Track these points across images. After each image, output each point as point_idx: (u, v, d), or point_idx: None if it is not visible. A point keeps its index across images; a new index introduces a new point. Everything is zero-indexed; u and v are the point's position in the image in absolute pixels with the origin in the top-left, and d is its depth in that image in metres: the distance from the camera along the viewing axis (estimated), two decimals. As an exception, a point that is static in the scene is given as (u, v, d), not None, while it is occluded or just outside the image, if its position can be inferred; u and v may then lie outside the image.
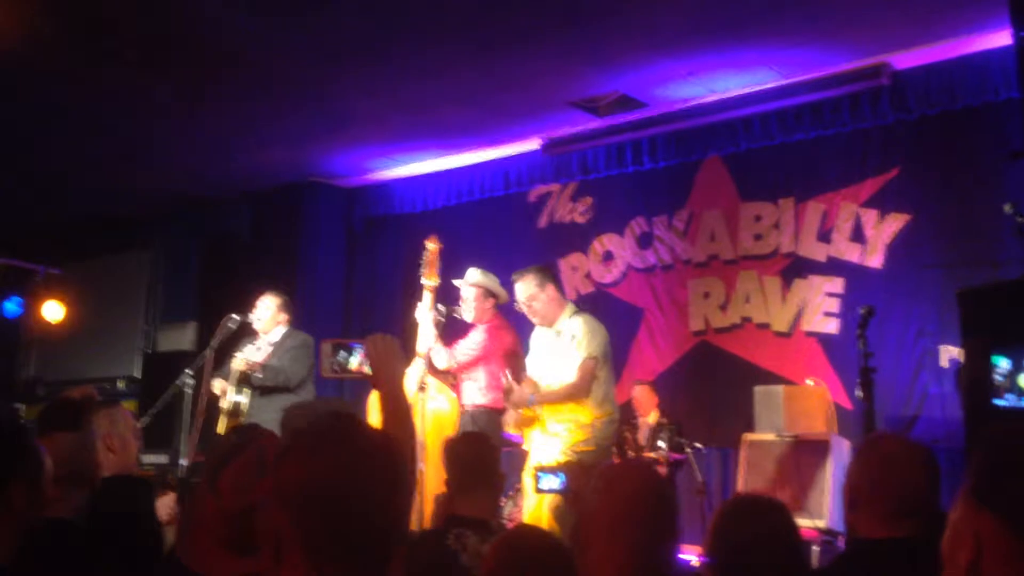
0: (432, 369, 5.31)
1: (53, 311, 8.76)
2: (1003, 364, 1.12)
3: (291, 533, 1.29)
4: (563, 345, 4.87)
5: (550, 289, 4.96)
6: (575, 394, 4.75)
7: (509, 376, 4.94)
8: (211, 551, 1.64)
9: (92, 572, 1.98)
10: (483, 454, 3.17)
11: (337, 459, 1.33)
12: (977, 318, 3.12)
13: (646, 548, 1.82)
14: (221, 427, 5.64)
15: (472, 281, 5.42)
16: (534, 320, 5.04)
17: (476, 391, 5.35)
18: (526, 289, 4.95)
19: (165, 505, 3.14)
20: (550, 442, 4.71)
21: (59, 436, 2.50)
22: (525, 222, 7.71)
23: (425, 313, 5.33)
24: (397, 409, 2.03)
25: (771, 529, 2.15)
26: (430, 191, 8.17)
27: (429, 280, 5.38)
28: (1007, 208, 4.11)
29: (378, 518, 1.33)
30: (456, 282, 5.47)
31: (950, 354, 5.44)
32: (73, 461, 2.46)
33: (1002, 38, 5.10)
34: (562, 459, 4.53)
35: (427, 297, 5.36)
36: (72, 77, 6.32)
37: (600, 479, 1.98)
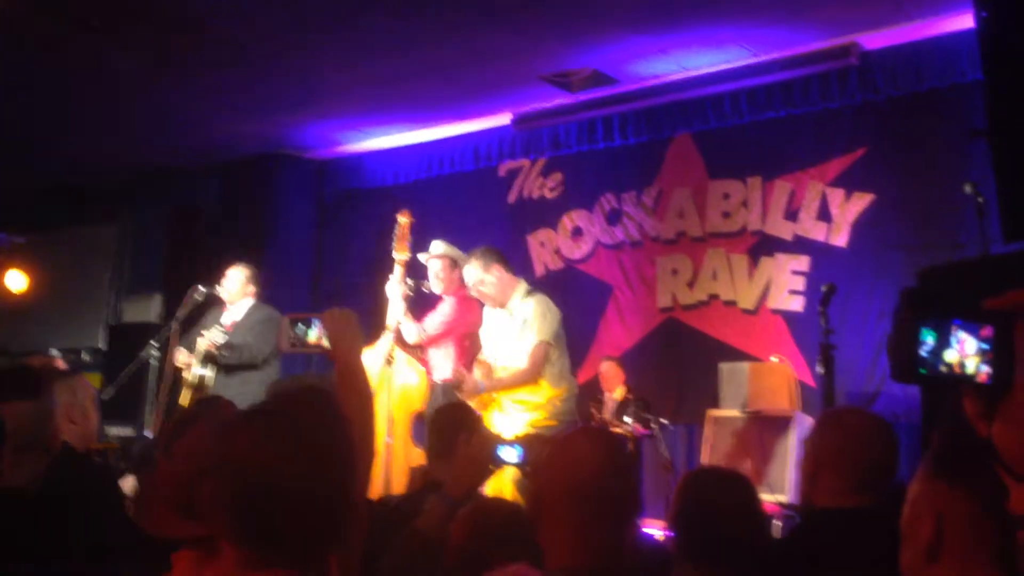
0: (401, 342, 5.31)
1: (16, 281, 8.64)
2: (930, 340, 1.16)
3: (226, 512, 1.29)
4: (515, 327, 4.84)
5: (496, 270, 4.87)
6: (526, 380, 4.73)
7: (462, 368, 4.95)
8: (165, 515, 1.66)
9: (42, 540, 1.98)
10: (462, 421, 3.21)
11: (287, 443, 1.32)
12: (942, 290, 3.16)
13: (599, 521, 1.79)
14: (185, 399, 5.60)
15: (437, 252, 5.42)
16: (486, 303, 5.03)
17: (446, 363, 5.34)
18: (472, 273, 4.90)
19: (128, 485, 3.13)
20: (509, 420, 4.73)
21: (15, 404, 2.49)
22: (495, 197, 7.70)
23: (395, 287, 5.32)
24: (355, 382, 2.03)
25: (733, 500, 2.18)
26: (400, 165, 8.13)
27: (400, 254, 5.37)
28: (967, 188, 4.16)
29: (324, 505, 1.33)
30: (421, 256, 5.45)
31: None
32: (29, 430, 2.44)
33: (969, 20, 5.14)
34: (521, 433, 4.55)
35: (398, 271, 5.35)
36: (38, 45, 6.20)
37: (551, 448, 1.97)
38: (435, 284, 5.42)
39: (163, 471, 1.66)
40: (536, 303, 4.84)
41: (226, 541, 1.33)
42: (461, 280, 5.42)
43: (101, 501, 2.46)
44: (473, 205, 7.65)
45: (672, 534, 2.21)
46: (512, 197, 7.68)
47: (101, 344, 8.87)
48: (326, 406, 1.46)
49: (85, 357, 8.84)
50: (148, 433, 6.24)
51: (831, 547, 2.22)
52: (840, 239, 6.10)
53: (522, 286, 4.97)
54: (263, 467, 1.30)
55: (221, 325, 5.65)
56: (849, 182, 6.10)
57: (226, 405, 1.77)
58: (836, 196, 6.14)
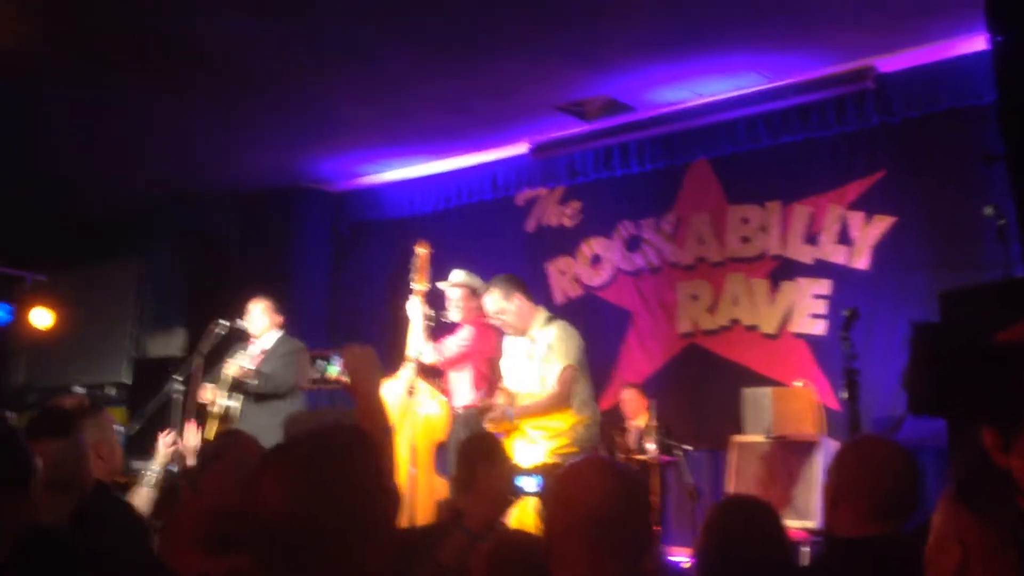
0: (422, 373, 5.33)
1: (41, 318, 8.74)
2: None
3: (255, 546, 1.32)
4: (539, 353, 4.86)
5: (517, 299, 4.94)
6: (556, 404, 4.74)
7: (484, 395, 4.97)
8: (190, 550, 1.67)
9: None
10: (484, 452, 3.22)
11: (318, 486, 1.35)
12: (957, 320, 3.14)
13: (607, 552, 1.77)
14: (211, 432, 5.64)
15: (456, 281, 5.47)
16: (507, 331, 5.05)
17: (466, 390, 5.37)
18: (493, 302, 4.96)
19: (141, 498, 3.15)
20: (532, 448, 4.72)
21: (47, 443, 2.53)
22: (513, 226, 7.73)
23: (415, 317, 5.35)
24: (374, 417, 2.05)
25: (760, 529, 2.16)
26: (418, 195, 8.18)
27: (419, 285, 5.42)
28: (988, 211, 4.14)
29: (349, 539, 1.34)
30: (441, 284, 5.50)
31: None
32: (61, 468, 2.48)
33: (985, 41, 5.14)
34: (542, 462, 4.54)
35: (417, 302, 5.39)
36: (59, 81, 6.31)
37: (556, 480, 1.95)
38: (453, 313, 5.46)
39: (189, 506, 1.67)
40: (559, 329, 4.89)
41: (256, 573, 1.35)
42: (479, 309, 5.45)
43: (130, 539, 2.48)
44: (491, 234, 7.67)
45: (697, 564, 2.19)
46: (530, 226, 7.70)
47: (126, 379, 8.93)
48: (353, 442, 1.48)
49: (110, 392, 8.90)
50: (173, 467, 6.26)
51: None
52: (861, 262, 6.07)
53: (542, 313, 5.02)
54: (288, 504, 1.32)
55: (250, 355, 5.71)
56: (869, 205, 6.08)
57: (248, 440, 1.78)
58: (856, 219, 6.12)
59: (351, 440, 1.48)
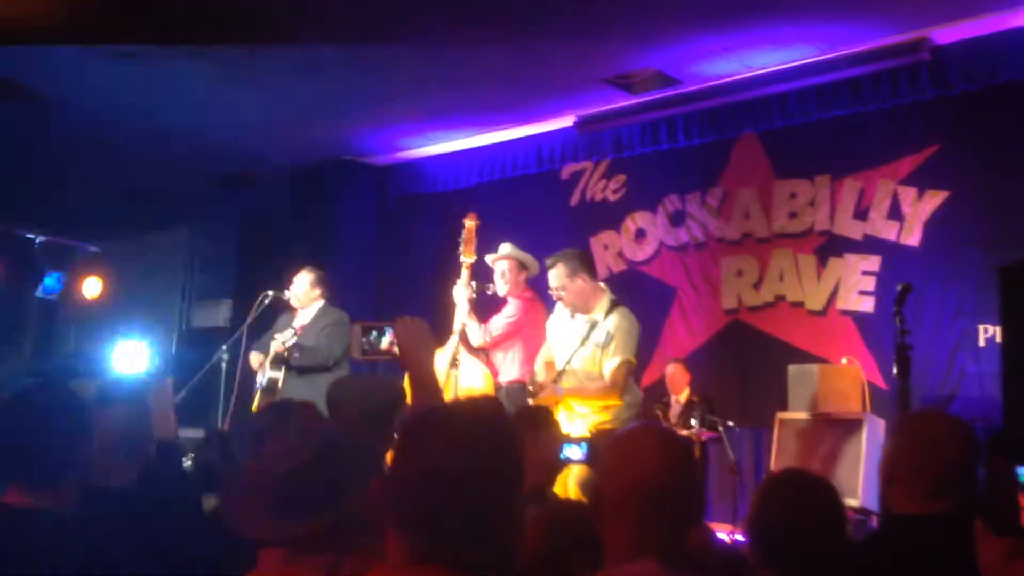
0: (466, 345, 5.34)
1: (92, 287, 8.91)
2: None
3: (406, 503, 1.35)
4: (598, 339, 4.78)
5: (581, 279, 4.82)
6: (608, 395, 4.71)
7: (536, 377, 4.94)
8: (253, 515, 1.70)
9: (140, 540, 2.05)
10: (528, 423, 3.23)
11: (475, 447, 1.39)
12: (1019, 294, 3.07)
13: (659, 519, 1.76)
14: (256, 403, 5.71)
15: (504, 254, 5.46)
16: (567, 307, 4.99)
17: (512, 365, 5.37)
18: (556, 278, 4.87)
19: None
20: (574, 424, 4.72)
21: (119, 408, 2.59)
22: (557, 200, 7.70)
23: (461, 290, 5.37)
24: (426, 388, 2.07)
25: (818, 507, 2.11)
26: (462, 169, 8.18)
27: (467, 257, 5.42)
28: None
29: (496, 506, 1.37)
30: (488, 258, 5.49)
31: (988, 333, 5.37)
32: (131, 433, 2.53)
33: (1047, 11, 5.01)
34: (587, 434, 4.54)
35: (464, 274, 5.40)
36: (109, 54, 6.37)
37: (613, 444, 1.92)
38: (500, 286, 5.45)
39: (252, 472, 1.70)
40: (621, 319, 4.79)
41: (397, 532, 1.39)
42: (527, 282, 5.44)
43: (190, 499, 2.55)
44: (535, 208, 7.65)
45: (750, 539, 2.16)
46: (575, 200, 7.67)
47: (173, 349, 9.08)
48: (506, 418, 1.53)
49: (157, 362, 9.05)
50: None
51: (905, 554, 2.16)
52: (912, 238, 5.97)
53: (606, 297, 4.89)
54: (452, 465, 1.37)
55: (293, 328, 5.75)
56: (921, 180, 5.97)
57: (309, 407, 1.81)
58: (908, 194, 6.01)
59: (505, 417, 1.55)
